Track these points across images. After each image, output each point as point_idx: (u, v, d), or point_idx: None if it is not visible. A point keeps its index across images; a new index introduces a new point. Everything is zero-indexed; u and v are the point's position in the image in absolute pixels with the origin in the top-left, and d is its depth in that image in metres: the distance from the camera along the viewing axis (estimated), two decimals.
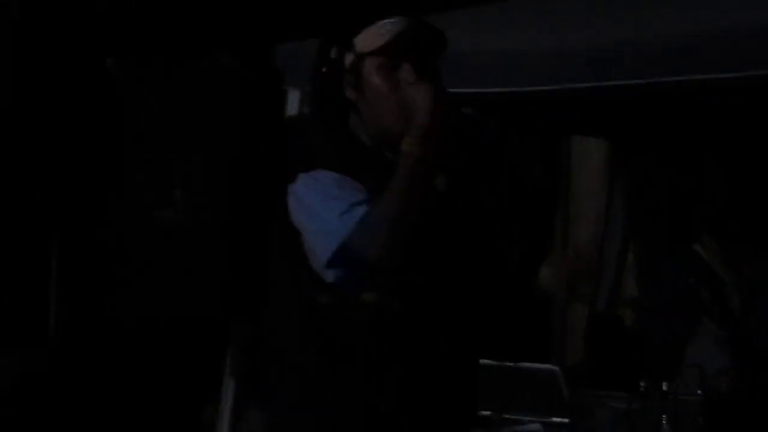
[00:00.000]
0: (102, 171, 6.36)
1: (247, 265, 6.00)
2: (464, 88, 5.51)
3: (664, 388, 5.70)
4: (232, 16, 6.74)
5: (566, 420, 5.89)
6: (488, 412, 5.91)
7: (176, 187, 6.18)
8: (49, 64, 6.39)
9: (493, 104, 5.83)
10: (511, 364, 5.94)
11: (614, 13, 5.72)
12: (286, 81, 5.87)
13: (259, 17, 6.72)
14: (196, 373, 6.41)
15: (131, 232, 6.18)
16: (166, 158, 6.26)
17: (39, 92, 6.56)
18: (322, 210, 2.72)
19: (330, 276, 2.74)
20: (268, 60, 6.04)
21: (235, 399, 6.27)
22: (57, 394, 6.64)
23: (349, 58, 2.87)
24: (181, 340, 6.44)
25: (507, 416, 5.95)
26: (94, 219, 6.26)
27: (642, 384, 5.78)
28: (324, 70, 2.92)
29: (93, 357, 6.71)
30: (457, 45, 5.65)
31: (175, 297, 6.06)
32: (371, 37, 2.90)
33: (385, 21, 2.90)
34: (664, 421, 5.61)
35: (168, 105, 6.25)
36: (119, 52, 6.02)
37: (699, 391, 5.84)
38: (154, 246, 6.16)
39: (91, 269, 6.30)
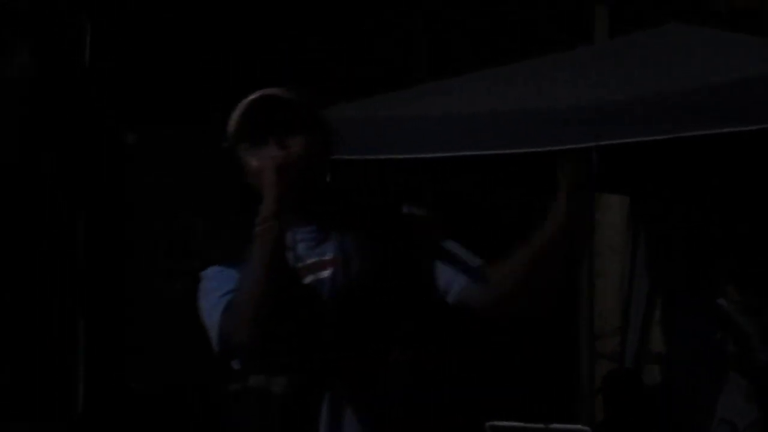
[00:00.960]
0: (116, 246, 6.40)
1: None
2: (487, 149, 5.65)
3: None
4: (238, 81, 6.57)
5: None
6: None
7: (194, 256, 6.06)
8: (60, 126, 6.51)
9: (515, 162, 5.97)
10: (542, 425, 5.91)
11: (626, 72, 5.83)
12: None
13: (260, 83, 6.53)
14: None
15: (151, 305, 6.21)
16: (189, 227, 6.31)
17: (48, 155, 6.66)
18: (206, 304, 2.74)
19: (234, 365, 2.76)
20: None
21: None
22: None
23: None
24: (200, 406, 6.42)
25: None
26: (114, 294, 6.30)
27: None
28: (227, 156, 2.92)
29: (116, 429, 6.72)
30: (482, 106, 5.74)
31: (192, 366, 5.94)
32: (231, 124, 2.89)
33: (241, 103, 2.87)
34: None
35: (178, 174, 6.32)
36: (131, 119, 6.20)
37: None
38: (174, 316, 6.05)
39: (115, 343, 6.32)
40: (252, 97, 2.74)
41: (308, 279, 2.78)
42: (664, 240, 8.15)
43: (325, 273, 2.78)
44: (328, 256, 2.76)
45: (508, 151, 5.74)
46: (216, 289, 2.74)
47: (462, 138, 5.85)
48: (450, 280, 2.84)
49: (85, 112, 6.65)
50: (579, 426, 6.47)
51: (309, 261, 2.77)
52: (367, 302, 2.79)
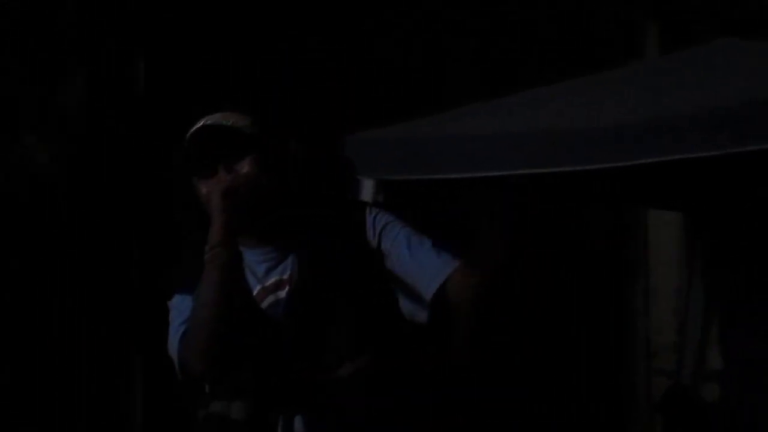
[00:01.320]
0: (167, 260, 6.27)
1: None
2: (544, 167, 5.54)
3: None
4: (301, 106, 6.85)
5: None
6: None
7: None
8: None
9: (571, 179, 5.87)
10: None
11: (679, 88, 5.75)
12: (358, 170, 5.86)
13: (329, 108, 6.86)
14: None
15: None
16: None
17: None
18: (169, 334, 2.81)
19: (206, 390, 2.82)
20: (340, 149, 6.01)
21: None
22: None
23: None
24: None
25: None
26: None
27: None
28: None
29: None
30: (535, 124, 5.66)
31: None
32: (178, 157, 2.94)
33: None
34: None
35: None
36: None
37: None
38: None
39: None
40: (195, 127, 2.79)
41: (269, 299, 2.81)
42: (721, 255, 7.92)
43: (283, 293, 2.80)
44: (286, 275, 2.78)
45: (560, 170, 5.60)
46: (176, 318, 2.80)
47: (516, 157, 5.74)
48: (423, 277, 2.85)
49: (137, 134, 6.69)
50: None
51: (269, 282, 2.80)
52: (323, 319, 2.81)
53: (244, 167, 2.72)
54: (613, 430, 8.14)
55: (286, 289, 2.85)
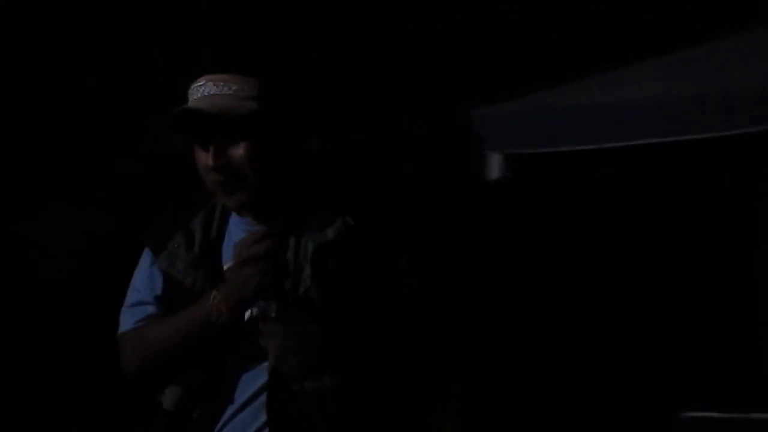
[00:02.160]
0: None
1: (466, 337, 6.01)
2: (679, 134, 5.49)
3: None
4: (427, 82, 6.83)
5: None
6: None
7: None
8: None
9: (711, 145, 5.70)
10: (742, 415, 5.91)
11: None
12: (483, 143, 5.82)
13: (456, 85, 6.76)
14: None
15: None
16: None
17: None
18: (124, 303, 2.64)
19: None
20: (466, 125, 5.97)
21: None
22: None
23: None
24: None
25: None
26: None
27: None
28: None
29: None
30: (664, 91, 5.66)
31: None
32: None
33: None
34: None
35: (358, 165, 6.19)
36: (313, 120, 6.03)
37: None
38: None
39: None
40: (196, 85, 2.49)
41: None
42: None
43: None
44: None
45: (697, 137, 5.52)
46: (136, 292, 2.60)
47: (648, 125, 5.69)
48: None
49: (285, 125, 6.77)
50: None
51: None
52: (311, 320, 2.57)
53: (238, 152, 2.45)
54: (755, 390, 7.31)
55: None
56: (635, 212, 7.60)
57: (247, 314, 2.50)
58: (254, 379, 2.50)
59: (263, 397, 2.48)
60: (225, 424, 2.53)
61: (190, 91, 2.46)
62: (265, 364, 2.48)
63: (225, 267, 2.48)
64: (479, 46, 7.35)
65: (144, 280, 2.56)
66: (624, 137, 5.69)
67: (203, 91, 2.45)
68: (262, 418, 2.48)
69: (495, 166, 5.86)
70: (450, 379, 2.69)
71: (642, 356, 7.26)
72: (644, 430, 6.84)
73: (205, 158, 2.41)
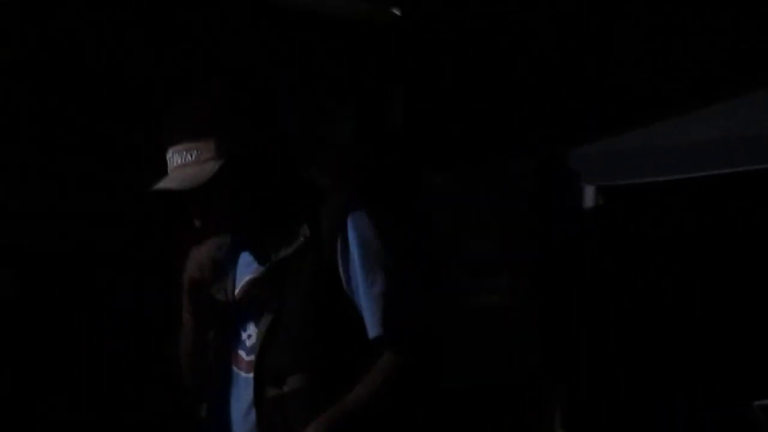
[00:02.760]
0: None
1: (554, 338, 6.22)
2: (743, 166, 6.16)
3: None
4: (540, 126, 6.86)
5: None
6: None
7: (501, 274, 6.34)
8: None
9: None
10: None
11: None
12: (581, 177, 6.40)
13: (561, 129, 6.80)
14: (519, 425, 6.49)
15: (460, 314, 6.28)
16: (484, 254, 6.37)
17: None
18: None
19: None
20: (564, 162, 6.42)
21: None
22: None
23: None
24: (511, 399, 6.50)
25: None
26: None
27: None
28: None
29: (435, 422, 7.06)
30: (727, 131, 6.21)
31: (499, 362, 6.21)
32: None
33: None
34: None
35: (476, 208, 6.50)
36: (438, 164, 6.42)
37: None
38: (480, 323, 6.28)
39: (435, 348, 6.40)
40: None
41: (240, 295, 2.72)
42: None
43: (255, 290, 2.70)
44: (257, 272, 2.66)
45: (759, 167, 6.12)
46: None
47: (714, 160, 6.31)
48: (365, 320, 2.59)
49: (400, 163, 6.83)
50: None
51: (243, 281, 2.69)
52: (282, 322, 2.62)
53: (214, 207, 2.57)
54: None
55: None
56: (710, 238, 7.90)
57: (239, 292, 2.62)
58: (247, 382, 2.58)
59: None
60: (229, 423, 2.64)
61: (167, 160, 2.56)
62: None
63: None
64: (576, 101, 7.08)
65: None
66: (695, 170, 6.30)
67: (172, 163, 2.54)
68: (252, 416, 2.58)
69: (590, 196, 6.50)
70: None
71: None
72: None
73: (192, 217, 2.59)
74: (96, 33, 5.70)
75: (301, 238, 2.48)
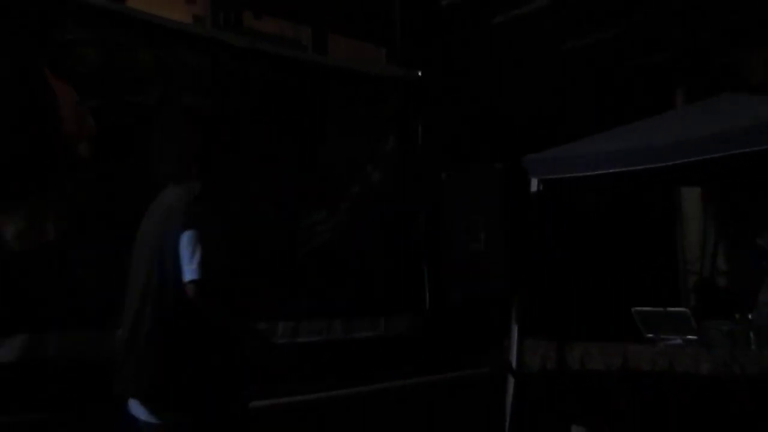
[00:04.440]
0: (442, 235, 7.22)
1: (518, 268, 6.53)
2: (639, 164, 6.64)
3: (749, 317, 7.09)
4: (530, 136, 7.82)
5: (695, 337, 7.10)
6: (651, 335, 7.34)
7: (481, 233, 6.66)
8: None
9: (646, 173, 6.84)
10: (662, 309, 7.41)
11: (701, 121, 6.79)
12: (529, 173, 7.11)
13: (516, 142, 7.87)
14: (495, 323, 7.29)
15: (461, 255, 6.78)
16: (474, 220, 6.74)
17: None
18: None
19: None
20: (519, 164, 7.08)
21: (517, 333, 7.33)
22: (429, 343, 7.87)
23: None
24: (488, 307, 7.32)
25: (662, 336, 7.28)
26: (443, 250, 7.02)
27: (736, 316, 7.23)
28: None
29: (446, 320, 7.92)
30: (629, 143, 6.65)
31: (483, 283, 6.61)
32: None
33: None
34: (751, 335, 6.83)
35: (467, 193, 6.85)
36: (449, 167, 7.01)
37: None
38: (472, 261, 6.65)
39: (443, 272, 7.16)
40: None
41: None
42: (719, 211, 9.83)
43: None
44: None
45: (650, 166, 6.70)
46: None
47: (621, 161, 6.86)
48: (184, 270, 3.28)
49: (421, 164, 8.01)
50: (682, 308, 7.78)
51: None
52: None
53: None
54: (670, 294, 9.14)
55: None
56: (611, 212, 9.26)
57: None
58: None
59: None
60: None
61: None
62: None
63: None
64: (525, 130, 8.62)
65: None
66: (610, 167, 6.90)
67: None
68: None
69: (534, 184, 7.21)
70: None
71: None
72: None
73: None
74: None
75: None
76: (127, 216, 5.55)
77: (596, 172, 7.06)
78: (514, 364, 7.11)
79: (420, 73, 7.87)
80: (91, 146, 5.73)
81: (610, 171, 6.96)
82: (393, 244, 7.76)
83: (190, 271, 3.24)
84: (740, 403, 6.34)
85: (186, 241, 3.28)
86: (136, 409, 3.42)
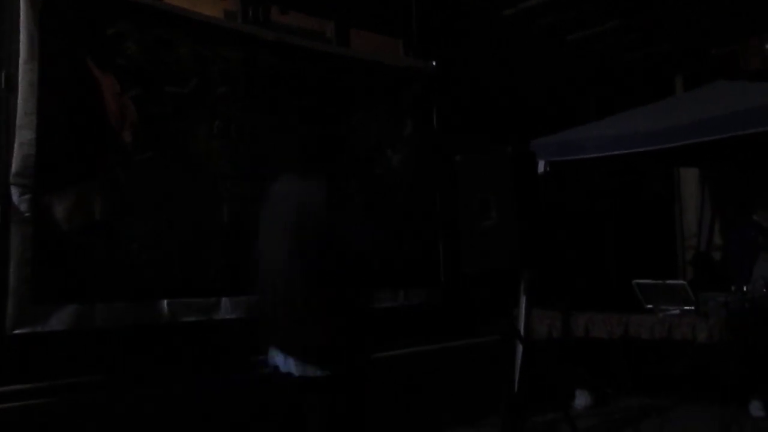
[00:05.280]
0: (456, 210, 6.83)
1: (527, 244, 6.27)
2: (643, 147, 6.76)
3: (745, 289, 7.34)
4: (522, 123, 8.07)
5: (692, 308, 7.24)
6: (651, 306, 7.51)
7: (492, 211, 6.42)
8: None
9: (647, 155, 7.03)
10: (661, 281, 7.52)
11: (696, 106, 6.97)
12: (537, 156, 7.14)
13: (524, 127, 7.92)
14: (505, 294, 7.39)
15: (474, 232, 6.53)
16: (486, 200, 6.47)
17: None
18: None
19: None
20: (527, 148, 7.24)
21: (526, 304, 7.52)
22: (445, 313, 7.93)
23: None
24: (499, 280, 7.22)
25: (661, 307, 7.41)
26: (458, 227, 6.76)
27: (732, 288, 7.43)
28: None
29: (460, 291, 7.96)
30: (629, 128, 6.87)
31: (494, 258, 6.39)
32: None
33: None
34: (746, 306, 7.01)
35: (480, 174, 6.63)
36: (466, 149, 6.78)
37: (764, 290, 7.34)
38: (484, 238, 6.43)
39: (458, 248, 6.75)
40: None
41: None
42: (716, 190, 9.86)
43: None
44: None
45: (651, 148, 6.86)
46: None
47: (622, 144, 7.04)
48: None
49: (437, 148, 8.00)
50: (680, 281, 7.88)
51: None
52: None
53: None
54: (669, 268, 9.23)
55: None
56: (611, 195, 9.25)
57: None
58: None
59: None
60: None
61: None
62: None
63: None
64: (541, 112, 8.78)
65: None
66: (610, 150, 7.10)
67: None
68: None
69: (541, 166, 7.48)
70: None
71: None
72: None
73: None
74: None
75: None
76: (165, 197, 5.94)
77: (600, 155, 7.22)
78: (522, 332, 7.22)
79: (435, 63, 8.03)
80: (134, 133, 5.88)
81: (613, 153, 7.12)
82: (411, 222, 7.80)
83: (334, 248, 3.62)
84: (734, 368, 6.62)
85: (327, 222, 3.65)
86: (291, 365, 3.83)
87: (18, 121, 5.41)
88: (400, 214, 7.71)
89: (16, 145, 5.40)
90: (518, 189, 6.27)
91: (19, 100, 5.42)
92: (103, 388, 5.43)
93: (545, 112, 8.78)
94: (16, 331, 5.31)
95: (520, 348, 7.10)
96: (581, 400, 7.78)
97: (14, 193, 5.39)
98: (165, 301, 5.95)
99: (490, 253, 6.38)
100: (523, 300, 7.52)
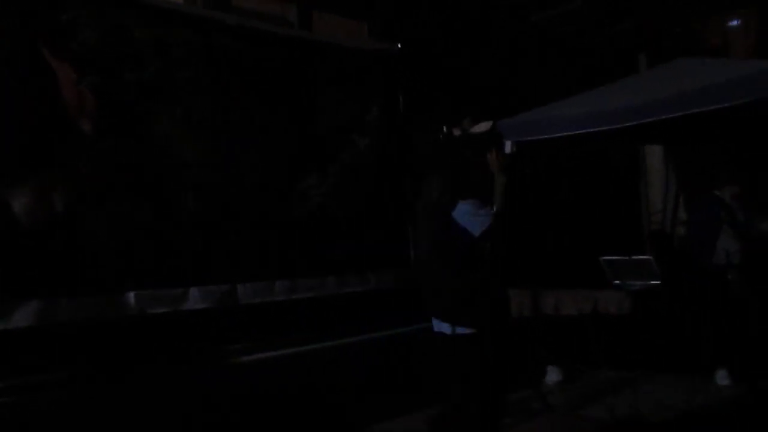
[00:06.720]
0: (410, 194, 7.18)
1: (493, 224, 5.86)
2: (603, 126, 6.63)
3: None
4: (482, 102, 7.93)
5: (658, 282, 7.33)
6: (618, 281, 7.52)
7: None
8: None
9: (612, 132, 6.91)
10: (627, 257, 7.56)
11: (659, 84, 6.81)
12: (505, 137, 7.20)
13: (491, 108, 7.44)
14: None
15: None
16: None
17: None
18: None
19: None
20: (496, 129, 5.93)
21: None
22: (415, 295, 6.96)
23: None
24: None
25: (628, 282, 7.44)
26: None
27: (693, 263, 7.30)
28: None
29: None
30: (593, 107, 6.67)
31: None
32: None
33: None
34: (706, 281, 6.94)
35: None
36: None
37: (725, 263, 7.25)
38: None
39: None
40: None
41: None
42: (683, 164, 9.66)
43: None
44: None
45: (616, 126, 6.68)
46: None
47: (585, 123, 6.93)
48: None
49: (403, 130, 7.90)
50: (647, 256, 7.80)
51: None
52: None
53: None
54: (635, 244, 9.00)
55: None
56: (577, 172, 9.19)
57: None
58: None
59: None
60: None
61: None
62: None
63: None
64: (506, 93, 8.59)
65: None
66: (573, 129, 6.97)
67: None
68: None
69: (508, 146, 7.28)
70: None
71: None
72: None
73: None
74: None
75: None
76: (127, 187, 5.57)
77: (565, 134, 7.02)
78: None
79: (399, 46, 7.75)
80: (92, 122, 5.58)
81: (578, 132, 6.92)
82: (379, 204, 7.59)
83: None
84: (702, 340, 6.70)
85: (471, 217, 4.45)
86: (442, 326, 4.62)
87: None
88: (368, 197, 7.57)
89: None
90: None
91: None
92: (69, 385, 5.23)
93: (512, 92, 8.55)
94: None
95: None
96: (552, 376, 7.62)
97: None
98: (132, 294, 5.72)
99: None
100: None
